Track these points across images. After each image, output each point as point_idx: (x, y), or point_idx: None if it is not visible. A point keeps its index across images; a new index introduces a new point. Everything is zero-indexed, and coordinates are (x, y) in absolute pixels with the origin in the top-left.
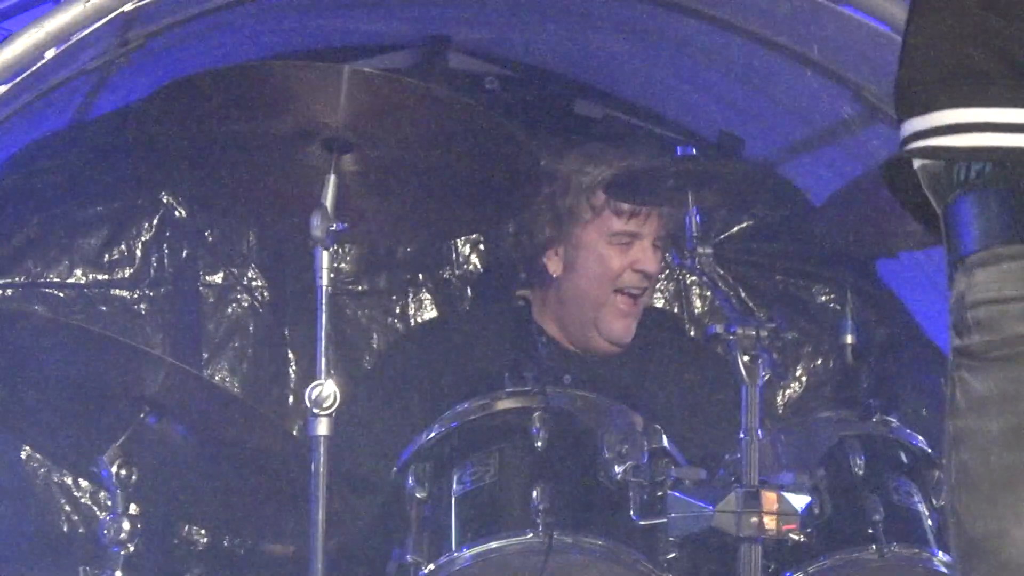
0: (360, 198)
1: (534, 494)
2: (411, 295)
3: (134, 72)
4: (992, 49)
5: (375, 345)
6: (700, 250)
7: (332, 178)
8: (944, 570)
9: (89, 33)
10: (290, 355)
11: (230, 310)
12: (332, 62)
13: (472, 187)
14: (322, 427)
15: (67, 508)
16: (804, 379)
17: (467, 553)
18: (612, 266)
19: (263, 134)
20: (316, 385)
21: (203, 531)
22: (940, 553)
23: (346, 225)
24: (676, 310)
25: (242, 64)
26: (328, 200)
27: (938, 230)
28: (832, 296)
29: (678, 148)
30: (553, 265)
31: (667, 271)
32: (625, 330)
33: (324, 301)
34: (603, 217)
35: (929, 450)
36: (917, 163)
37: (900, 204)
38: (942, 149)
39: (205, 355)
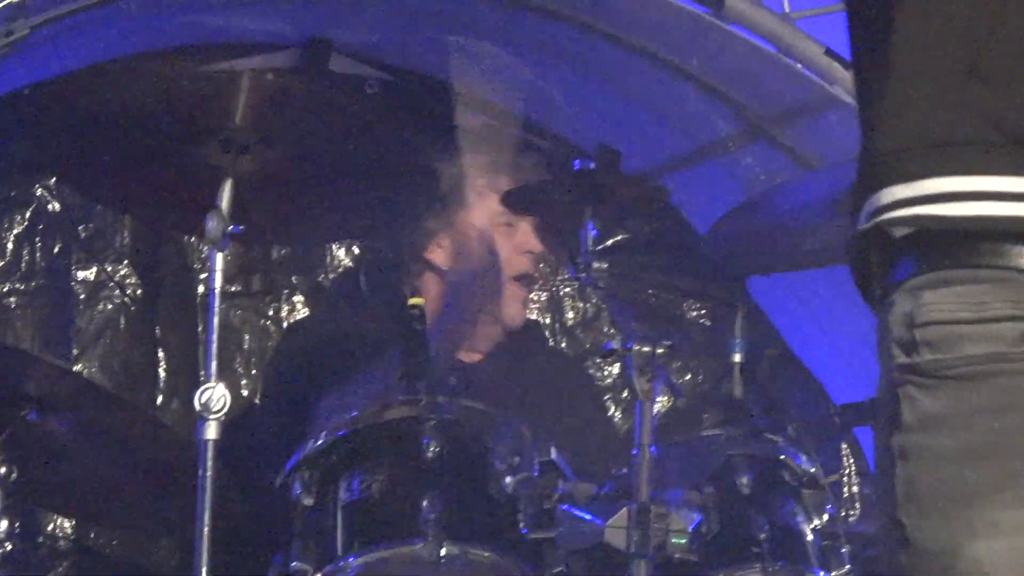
0: (245, 197)
1: (423, 504)
2: (284, 297)
3: (15, 63)
4: (982, 116)
5: (246, 347)
6: (596, 264)
7: (229, 181)
8: None
9: None
10: (160, 354)
11: (101, 306)
12: (214, 60)
13: (363, 190)
14: (211, 431)
15: None
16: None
17: (354, 562)
18: (501, 250)
19: (152, 130)
20: (206, 388)
21: (68, 527)
22: (822, 573)
23: (242, 228)
24: (548, 320)
25: (137, 58)
26: (224, 202)
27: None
28: (703, 312)
29: (576, 161)
30: (439, 257)
31: (540, 282)
32: (520, 312)
33: (216, 303)
34: (485, 198)
35: (812, 470)
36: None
37: (857, 278)
38: (934, 218)
39: (76, 351)
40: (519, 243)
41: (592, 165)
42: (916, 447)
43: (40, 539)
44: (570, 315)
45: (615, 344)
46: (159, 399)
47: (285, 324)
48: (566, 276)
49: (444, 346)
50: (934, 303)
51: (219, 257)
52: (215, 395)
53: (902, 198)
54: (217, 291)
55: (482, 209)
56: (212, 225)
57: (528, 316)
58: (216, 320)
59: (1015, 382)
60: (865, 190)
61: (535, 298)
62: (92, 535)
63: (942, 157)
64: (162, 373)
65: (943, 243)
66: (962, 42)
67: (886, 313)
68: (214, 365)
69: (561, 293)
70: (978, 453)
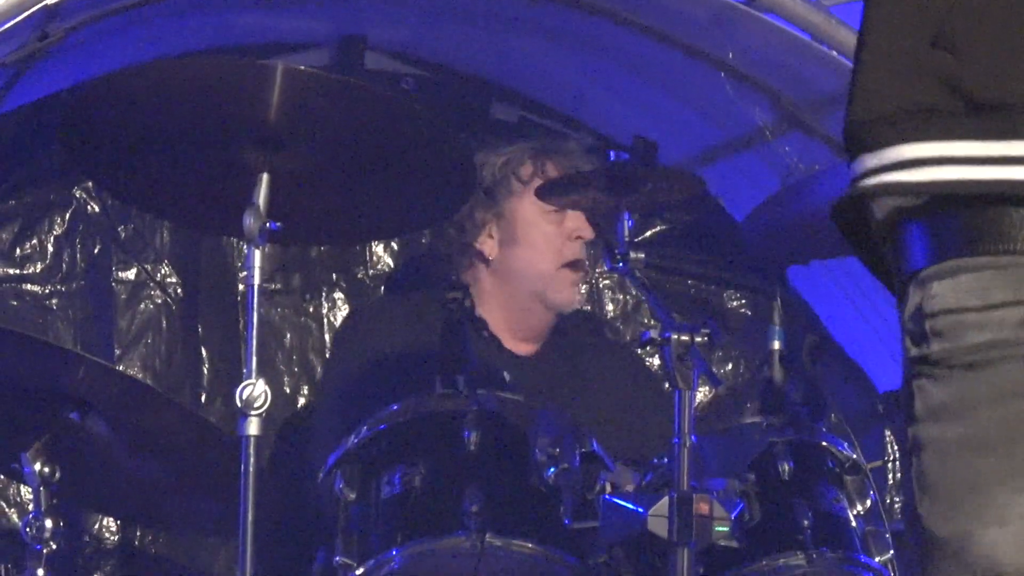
0: (282, 197)
1: (465, 496)
2: (324, 294)
3: (52, 66)
4: (944, 84)
5: (287, 344)
6: (633, 255)
7: (265, 176)
8: (870, 575)
9: (9, 27)
10: (203, 352)
11: (142, 307)
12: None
13: (402, 187)
14: (252, 427)
15: None
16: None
17: (397, 555)
18: (552, 239)
19: (188, 131)
20: (247, 385)
21: (114, 527)
22: (866, 558)
23: (279, 224)
24: (578, 305)
25: (171, 60)
26: (260, 198)
27: (878, 267)
28: (743, 302)
29: (611, 153)
30: (489, 247)
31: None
32: (574, 296)
33: (256, 300)
34: (533, 186)
35: (854, 456)
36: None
37: (850, 243)
38: (897, 184)
39: (117, 352)
40: (570, 229)
41: (626, 156)
42: (927, 438)
43: (86, 539)
44: (610, 307)
45: (653, 334)
46: (202, 398)
47: (325, 321)
48: (604, 269)
49: (496, 338)
50: (941, 293)
51: (257, 254)
52: (256, 391)
53: (870, 167)
54: (256, 288)
55: (531, 198)
56: (249, 222)
57: (582, 304)
58: (255, 317)
59: (1019, 368)
60: (849, 160)
61: None
62: (137, 534)
63: (906, 125)
64: (205, 372)
65: (946, 230)
66: (927, 13)
67: (902, 309)
68: (254, 361)
69: (601, 286)
70: (985, 441)
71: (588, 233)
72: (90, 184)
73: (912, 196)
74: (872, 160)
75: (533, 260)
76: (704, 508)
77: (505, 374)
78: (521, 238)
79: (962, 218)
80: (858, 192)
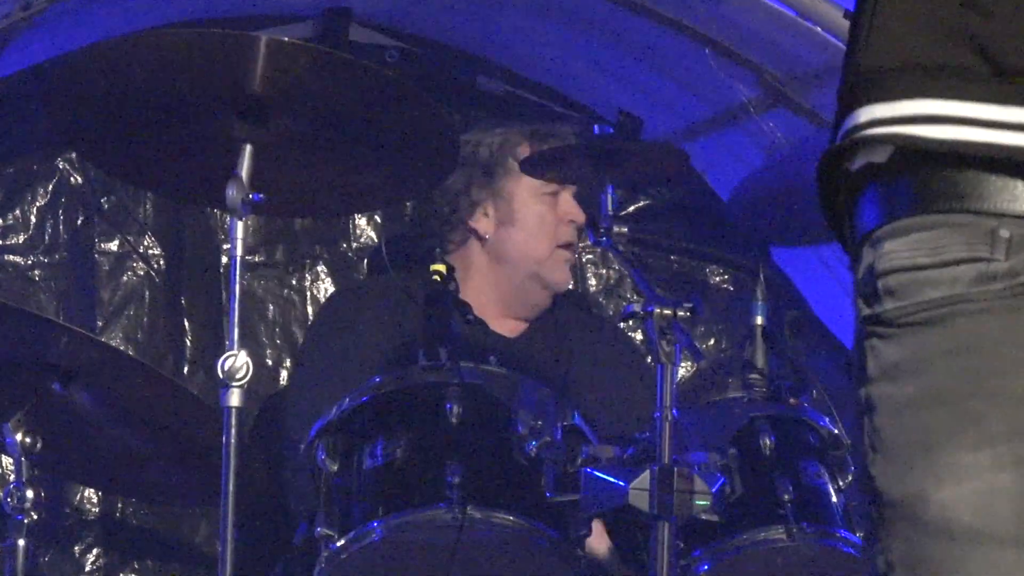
0: (265, 169)
1: (447, 469)
2: (307, 267)
3: (36, 37)
4: (970, 45)
5: (270, 317)
6: (616, 229)
7: (248, 148)
8: (851, 550)
9: None
10: (186, 324)
11: (125, 278)
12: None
13: (386, 160)
14: (234, 398)
15: None
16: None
17: (379, 527)
18: (547, 220)
19: (171, 102)
20: (228, 356)
21: (95, 498)
22: (847, 533)
23: (262, 196)
24: (570, 285)
25: (155, 30)
26: (244, 170)
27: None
28: (726, 277)
29: (595, 127)
30: (484, 225)
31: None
32: (567, 276)
33: (238, 272)
34: None
35: (835, 431)
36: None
37: (820, 201)
38: (910, 138)
39: (100, 323)
40: (563, 212)
41: (610, 130)
42: (879, 397)
43: (67, 509)
44: (592, 282)
45: (636, 308)
46: (185, 369)
47: (308, 294)
48: (587, 243)
49: (481, 322)
50: (893, 251)
51: (240, 225)
52: (238, 363)
53: (881, 117)
54: (238, 259)
55: (527, 179)
56: (232, 193)
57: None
58: (237, 288)
59: (974, 323)
60: (845, 108)
61: None
62: (119, 505)
63: (926, 79)
64: (187, 344)
65: (899, 190)
66: None
67: (855, 271)
68: (236, 333)
69: (584, 260)
70: (938, 397)
71: (580, 216)
72: (73, 155)
73: (910, 153)
74: (883, 110)
75: (529, 241)
76: (686, 482)
77: (492, 359)
78: (517, 218)
79: (916, 177)
80: (857, 141)
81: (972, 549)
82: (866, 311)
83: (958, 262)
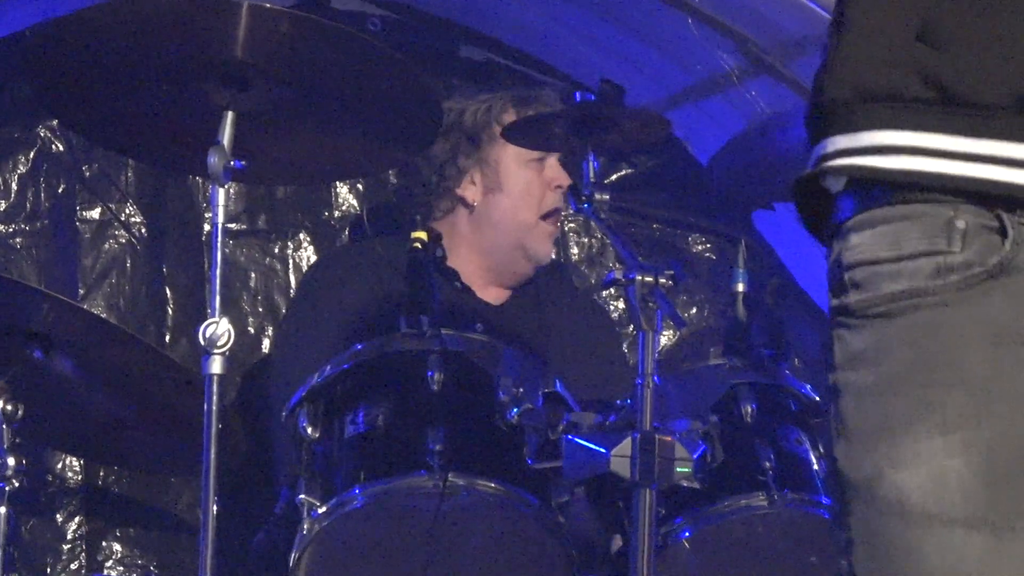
0: (247, 136)
1: (428, 436)
2: (290, 235)
3: (14, 4)
4: (924, 77)
5: (252, 285)
6: (598, 196)
7: (230, 115)
8: (832, 516)
9: None
10: (168, 292)
11: (107, 246)
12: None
13: (368, 127)
14: (216, 366)
15: None
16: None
17: (360, 494)
18: (534, 187)
19: (153, 68)
20: (210, 323)
21: (77, 466)
22: (827, 499)
23: (243, 163)
24: (553, 257)
25: None
26: (225, 137)
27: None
28: (708, 246)
29: (576, 94)
30: (471, 193)
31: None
32: (550, 249)
33: (220, 239)
34: None
35: (817, 398)
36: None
37: (803, 222)
38: (868, 169)
39: (81, 291)
40: (549, 178)
41: (592, 97)
42: (844, 384)
43: (49, 477)
44: (575, 251)
45: (617, 275)
46: (167, 337)
47: (290, 262)
48: (569, 211)
49: (468, 288)
50: (858, 244)
51: (221, 192)
52: (219, 330)
53: (843, 148)
54: (220, 226)
55: (512, 146)
56: (214, 160)
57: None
58: (219, 255)
59: (931, 315)
60: (814, 137)
61: None
62: (101, 473)
63: (882, 111)
64: (169, 311)
65: (867, 183)
66: (915, 5)
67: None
68: (218, 300)
69: (566, 228)
70: (896, 384)
71: (567, 182)
72: (55, 123)
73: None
74: (844, 141)
75: (515, 208)
76: (667, 449)
77: (479, 326)
78: (504, 185)
79: (879, 180)
80: (824, 172)
81: (924, 529)
82: (835, 302)
83: (917, 256)
